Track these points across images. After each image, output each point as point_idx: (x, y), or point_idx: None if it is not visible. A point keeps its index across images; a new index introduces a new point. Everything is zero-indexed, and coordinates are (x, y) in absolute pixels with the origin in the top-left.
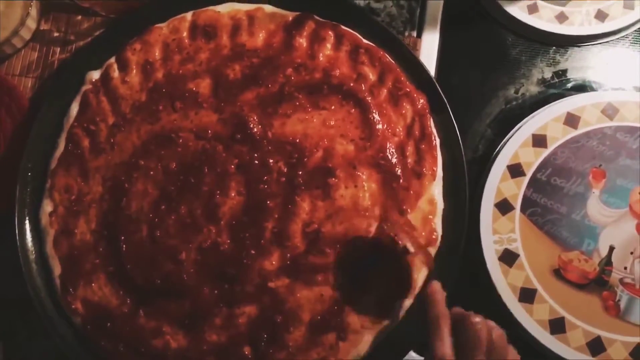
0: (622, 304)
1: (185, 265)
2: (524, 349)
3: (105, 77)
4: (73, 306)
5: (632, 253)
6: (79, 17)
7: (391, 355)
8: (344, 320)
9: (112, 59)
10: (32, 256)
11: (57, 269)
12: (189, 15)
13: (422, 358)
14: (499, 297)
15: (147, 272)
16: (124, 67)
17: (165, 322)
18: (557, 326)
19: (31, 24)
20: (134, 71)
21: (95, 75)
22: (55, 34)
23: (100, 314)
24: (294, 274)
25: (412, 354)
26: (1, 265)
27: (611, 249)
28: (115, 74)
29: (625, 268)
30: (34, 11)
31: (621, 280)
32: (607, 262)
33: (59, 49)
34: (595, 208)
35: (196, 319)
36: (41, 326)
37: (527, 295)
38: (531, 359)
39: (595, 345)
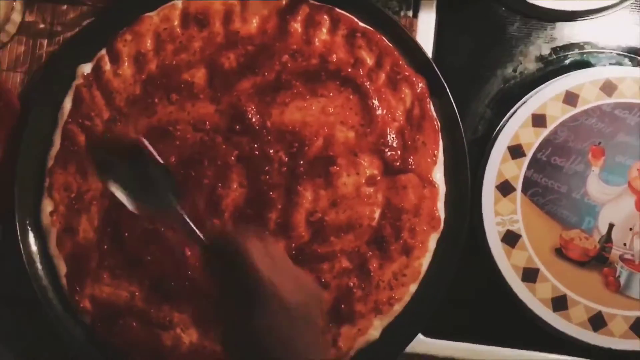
0: (622, 280)
1: (190, 260)
2: (528, 326)
3: (97, 71)
4: (81, 305)
5: (631, 229)
6: (65, 7)
7: (399, 338)
8: (352, 308)
9: (103, 51)
10: (37, 257)
11: (62, 269)
12: (179, 3)
13: (430, 340)
14: (502, 278)
15: (153, 268)
16: (115, 59)
17: (175, 315)
18: (559, 303)
19: (16, 17)
20: (126, 63)
21: (86, 68)
22: (41, 26)
23: (109, 311)
24: (299, 263)
25: (420, 336)
26: (7, 265)
27: (611, 226)
28: (107, 66)
29: (625, 244)
30: (18, 4)
31: (621, 257)
32: (607, 239)
33: (46, 41)
34: (595, 186)
35: (205, 313)
36: (50, 326)
37: (529, 275)
38: (534, 336)
39: (597, 321)
